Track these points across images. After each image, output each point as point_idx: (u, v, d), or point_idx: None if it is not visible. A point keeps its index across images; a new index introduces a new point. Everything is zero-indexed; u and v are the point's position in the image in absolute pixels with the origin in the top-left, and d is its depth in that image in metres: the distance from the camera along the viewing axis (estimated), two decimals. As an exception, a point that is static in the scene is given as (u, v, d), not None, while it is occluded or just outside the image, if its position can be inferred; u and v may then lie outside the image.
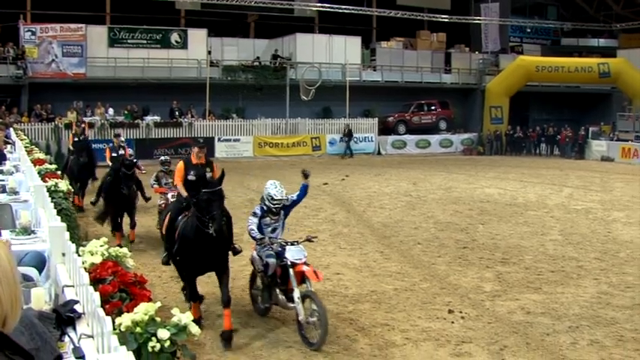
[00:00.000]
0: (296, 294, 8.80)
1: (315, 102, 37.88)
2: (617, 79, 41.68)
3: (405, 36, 44.69)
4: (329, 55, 39.79)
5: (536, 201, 21.66)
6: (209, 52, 37.18)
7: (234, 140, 36.02)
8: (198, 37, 37.66)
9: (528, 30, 48.59)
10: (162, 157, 16.45)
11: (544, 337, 9.15)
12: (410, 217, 18.51)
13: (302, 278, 8.93)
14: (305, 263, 8.96)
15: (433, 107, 41.81)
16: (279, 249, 9.14)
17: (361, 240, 15.48)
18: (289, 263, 8.91)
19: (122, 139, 19.93)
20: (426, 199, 21.85)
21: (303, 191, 9.71)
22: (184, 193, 10.22)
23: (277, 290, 9.27)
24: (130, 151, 18.34)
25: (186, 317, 4.18)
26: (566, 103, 45.25)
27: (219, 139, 35.65)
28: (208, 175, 10.16)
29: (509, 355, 8.47)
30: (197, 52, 37.04)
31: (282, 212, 9.63)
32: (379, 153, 39.32)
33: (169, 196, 14.14)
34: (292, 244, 9.14)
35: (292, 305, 8.93)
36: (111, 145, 18.46)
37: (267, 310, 9.72)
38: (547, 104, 45.31)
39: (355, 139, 38.44)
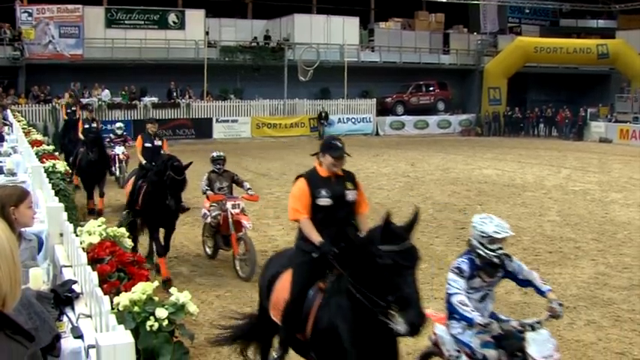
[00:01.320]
0: None
1: (313, 83, 37.79)
2: (615, 60, 41.61)
3: (403, 16, 44.54)
4: (327, 35, 39.69)
5: (534, 182, 21.67)
6: (207, 33, 37.05)
7: (232, 121, 36.02)
8: (195, 17, 37.55)
9: (527, 11, 48.37)
10: (215, 153, 12.14)
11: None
12: (408, 198, 18.51)
13: None
14: None
15: (431, 88, 41.76)
16: (504, 333, 5.46)
17: (359, 221, 15.49)
18: None
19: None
20: (424, 180, 21.86)
21: (540, 289, 5.83)
22: (316, 238, 5.68)
23: None
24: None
25: (184, 296, 4.18)
26: (564, 85, 45.18)
27: (216, 120, 35.66)
28: (351, 195, 6.12)
29: (506, 335, 8.50)
30: (195, 33, 36.94)
31: (500, 271, 5.85)
32: (377, 134, 39.34)
33: (229, 205, 11.23)
34: (532, 328, 5.41)
35: None
36: (143, 132, 13.70)
37: None
38: (545, 85, 45.25)
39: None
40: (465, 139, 38.84)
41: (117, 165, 19.29)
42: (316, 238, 5.68)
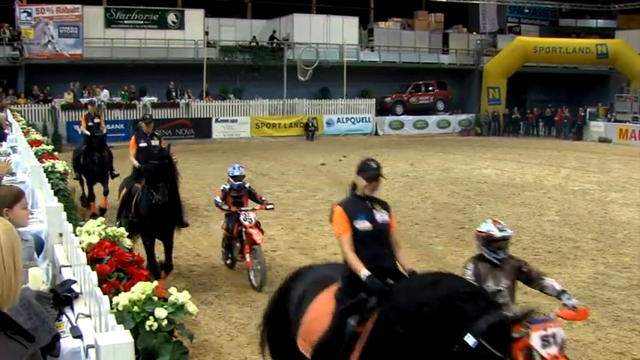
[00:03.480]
0: None
1: (313, 82, 37.76)
2: (615, 60, 41.59)
3: (403, 16, 44.50)
4: (326, 35, 39.66)
5: (534, 182, 21.67)
6: (206, 33, 37.06)
7: (232, 121, 36.00)
8: (195, 17, 37.52)
9: (526, 10, 48.35)
10: (496, 231, 6.25)
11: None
12: (407, 198, 18.53)
13: None
14: None
15: (431, 88, 41.74)
16: None
17: (359, 221, 15.48)
18: None
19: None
20: (424, 180, 21.86)
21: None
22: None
23: None
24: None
25: (183, 296, 4.18)
26: (564, 84, 45.14)
27: (216, 120, 35.64)
28: None
29: (505, 335, 8.49)
30: (194, 33, 36.92)
31: None
32: (377, 133, 39.30)
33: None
34: None
35: None
36: (344, 204, 5.80)
37: None
38: (545, 85, 45.20)
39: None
40: (464, 139, 38.82)
41: None
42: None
